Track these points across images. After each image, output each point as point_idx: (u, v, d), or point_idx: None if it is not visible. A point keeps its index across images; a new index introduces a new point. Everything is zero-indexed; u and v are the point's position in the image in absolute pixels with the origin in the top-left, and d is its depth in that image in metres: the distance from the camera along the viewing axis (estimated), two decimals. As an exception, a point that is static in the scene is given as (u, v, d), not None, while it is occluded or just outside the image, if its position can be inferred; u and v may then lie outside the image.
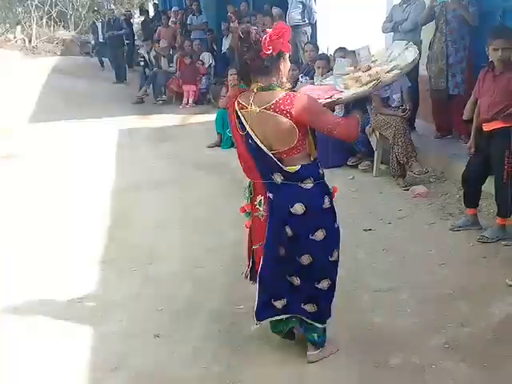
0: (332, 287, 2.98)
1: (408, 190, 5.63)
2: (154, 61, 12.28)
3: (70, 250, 4.56)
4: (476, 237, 4.40)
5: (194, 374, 2.97)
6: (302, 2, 9.42)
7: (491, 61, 4.36)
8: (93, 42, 17.73)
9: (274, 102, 2.69)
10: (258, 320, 2.99)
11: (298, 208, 2.80)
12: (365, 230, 4.74)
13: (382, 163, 6.24)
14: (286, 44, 2.72)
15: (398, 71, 3.26)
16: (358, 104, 6.37)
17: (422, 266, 4.06)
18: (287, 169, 2.79)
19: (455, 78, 6.39)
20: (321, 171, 2.87)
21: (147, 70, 12.31)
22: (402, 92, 6.09)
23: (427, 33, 6.79)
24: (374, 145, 6.24)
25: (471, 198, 4.56)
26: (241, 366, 3.00)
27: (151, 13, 20.08)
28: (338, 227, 2.98)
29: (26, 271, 4.18)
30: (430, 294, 3.65)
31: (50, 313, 3.56)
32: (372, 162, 6.30)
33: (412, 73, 6.41)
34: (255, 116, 2.73)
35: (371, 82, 3.14)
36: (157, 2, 20.22)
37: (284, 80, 2.78)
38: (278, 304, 2.95)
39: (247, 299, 3.31)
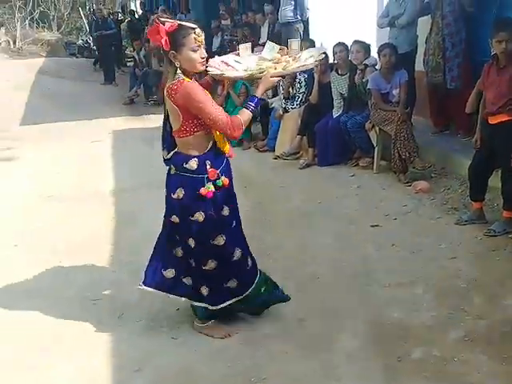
0: (220, 268, 3.12)
1: (410, 185, 5.64)
2: (144, 61, 12.21)
3: (77, 250, 4.50)
4: (483, 230, 4.43)
5: (218, 373, 2.96)
6: (293, -1, 9.41)
7: (495, 53, 4.39)
8: (80, 42, 17.61)
9: (168, 86, 2.94)
10: (143, 284, 3.28)
11: (178, 193, 3.04)
12: (372, 225, 4.76)
13: (381, 159, 6.26)
14: (160, 42, 2.88)
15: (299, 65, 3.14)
16: (357, 100, 6.46)
17: (432, 260, 4.08)
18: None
19: (452, 72, 6.41)
20: (190, 166, 2.99)
21: (137, 71, 12.21)
22: (400, 87, 6.10)
23: (423, 28, 6.82)
24: (373, 141, 6.25)
25: (478, 191, 4.59)
26: (265, 363, 3.00)
27: (137, 13, 20.03)
28: (222, 215, 3.09)
29: (35, 271, 4.13)
30: (443, 287, 3.67)
31: (67, 315, 3.53)
32: (372, 158, 6.32)
33: (409, 67, 6.49)
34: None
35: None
36: (143, 1, 20.16)
37: (188, 69, 2.94)
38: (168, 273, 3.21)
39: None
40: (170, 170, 3.11)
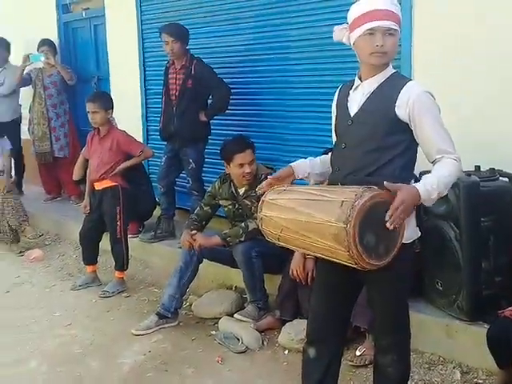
0: None
1: (23, 255, 5.49)
2: None
3: None
4: (98, 293, 4.53)
5: None
6: None
7: (98, 124, 4.65)
8: None
9: None
10: None
11: None
12: (-19, 303, 4.41)
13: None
14: None
15: None
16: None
17: (47, 330, 3.96)
18: None
19: (59, 141, 6.56)
20: None
21: None
22: (3, 156, 5.91)
23: (26, 97, 6.80)
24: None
25: (90, 255, 4.71)
26: None
27: None
28: None
29: None
30: (60, 356, 3.58)
31: None
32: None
33: (14, 136, 6.39)
34: None
35: None
36: None
37: None
38: None
39: None
40: None
